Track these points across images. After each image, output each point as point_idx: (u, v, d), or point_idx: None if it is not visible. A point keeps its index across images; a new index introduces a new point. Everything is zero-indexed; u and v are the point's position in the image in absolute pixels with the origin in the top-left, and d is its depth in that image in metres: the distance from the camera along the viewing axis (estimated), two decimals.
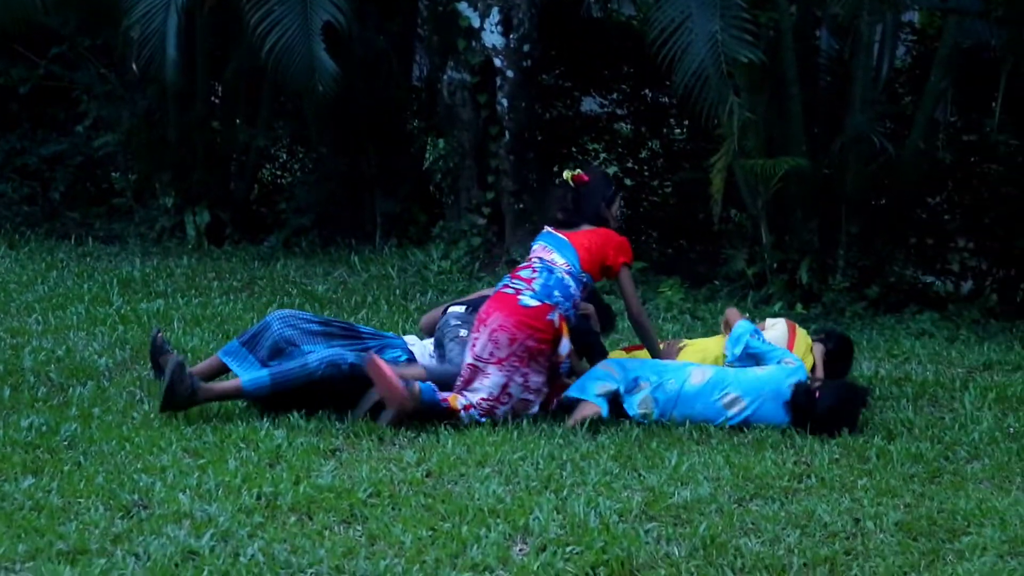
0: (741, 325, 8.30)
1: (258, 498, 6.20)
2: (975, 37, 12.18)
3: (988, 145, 13.04)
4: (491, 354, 7.70)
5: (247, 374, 7.73)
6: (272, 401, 7.66)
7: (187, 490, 6.25)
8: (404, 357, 8.13)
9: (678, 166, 15.25)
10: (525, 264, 8.06)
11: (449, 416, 7.62)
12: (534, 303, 7.74)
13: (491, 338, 7.69)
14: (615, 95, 16.09)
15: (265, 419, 7.51)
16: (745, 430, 7.91)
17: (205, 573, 5.34)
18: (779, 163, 11.45)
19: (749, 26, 10.82)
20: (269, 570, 5.38)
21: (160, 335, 8.11)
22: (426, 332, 8.67)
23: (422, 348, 8.39)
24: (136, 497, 6.14)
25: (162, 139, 14.50)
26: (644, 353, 8.49)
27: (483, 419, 7.65)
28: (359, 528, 5.98)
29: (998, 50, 12.38)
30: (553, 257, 7.98)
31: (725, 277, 12.56)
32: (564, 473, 6.84)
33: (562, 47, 15.26)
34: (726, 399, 7.92)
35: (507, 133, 13.50)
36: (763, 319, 9.10)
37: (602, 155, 16.19)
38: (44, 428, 7.10)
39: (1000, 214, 13.09)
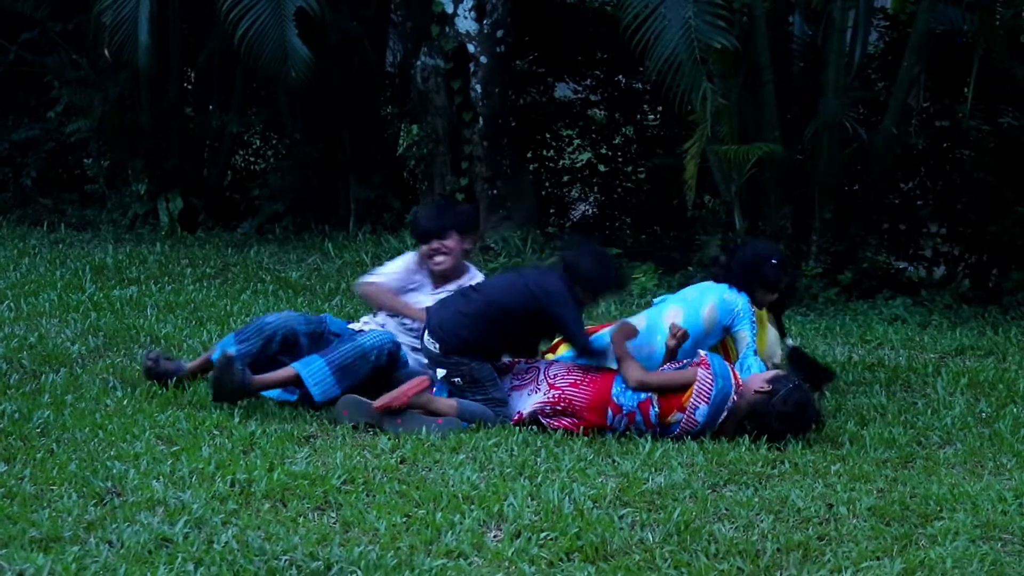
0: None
1: (232, 485, 6.19)
2: (947, 23, 12.22)
3: (960, 131, 13.07)
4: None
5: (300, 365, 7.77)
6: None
7: (161, 477, 6.23)
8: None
9: (652, 152, 15.26)
10: None
11: None
12: None
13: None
14: (589, 81, 16.10)
15: (239, 406, 7.49)
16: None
17: (179, 560, 5.32)
18: (752, 149, 11.47)
19: (722, 12, 10.83)
20: (243, 557, 5.37)
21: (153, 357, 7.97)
22: (372, 304, 8.55)
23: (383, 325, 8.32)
24: (109, 484, 6.11)
25: (135, 125, 14.47)
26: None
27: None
28: (333, 515, 5.97)
29: (970, 36, 12.42)
30: None
31: (699, 263, 12.57)
32: (538, 459, 6.84)
33: (536, 33, 15.25)
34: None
35: (481, 119, 13.49)
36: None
37: (576, 141, 16.19)
38: (16, 415, 7.06)
39: (972, 200, 13.13)
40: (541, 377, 7.62)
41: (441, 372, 7.68)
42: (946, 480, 6.77)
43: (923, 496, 6.49)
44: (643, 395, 7.37)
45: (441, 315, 7.74)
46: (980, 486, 6.68)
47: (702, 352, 7.56)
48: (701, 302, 8.00)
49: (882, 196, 12.99)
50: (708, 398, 7.33)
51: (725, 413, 7.37)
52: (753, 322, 7.98)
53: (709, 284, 8.13)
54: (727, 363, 7.56)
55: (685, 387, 7.40)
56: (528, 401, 7.57)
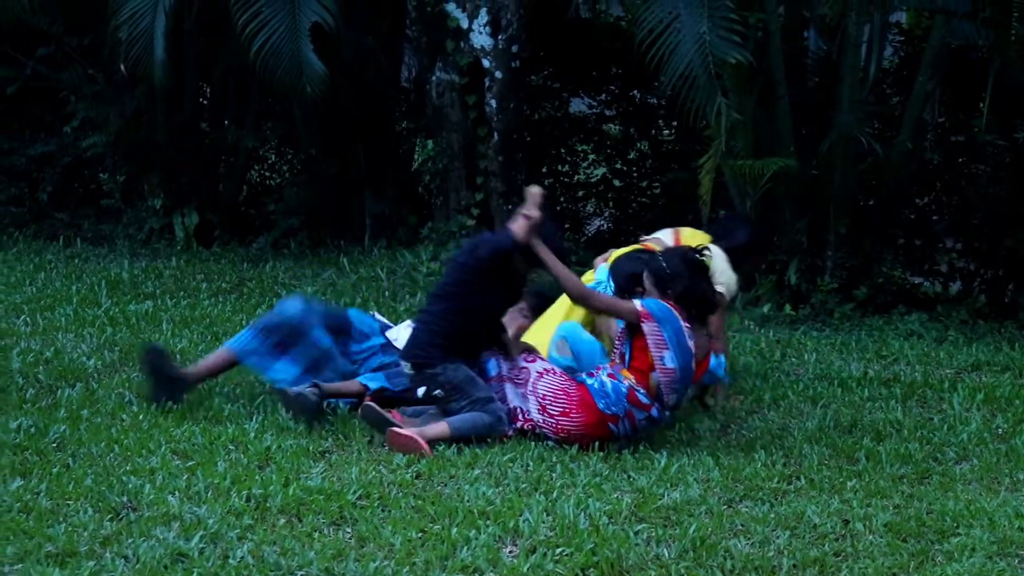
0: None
1: (247, 500, 6.20)
2: (963, 37, 12.18)
3: (976, 145, 13.04)
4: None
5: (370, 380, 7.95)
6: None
7: (176, 492, 6.25)
8: (402, 386, 8.04)
9: (667, 167, 15.24)
10: None
11: None
12: None
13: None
14: (604, 96, 16.08)
15: (254, 421, 7.51)
16: (732, 431, 7.94)
17: (195, 575, 5.34)
18: (767, 164, 11.45)
19: (737, 27, 10.81)
20: (259, 572, 5.38)
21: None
22: None
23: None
24: (125, 499, 6.13)
25: (150, 140, 14.49)
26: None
27: None
28: (349, 530, 5.98)
29: (985, 50, 12.40)
30: None
31: None
32: (554, 474, 6.84)
33: (551, 48, 15.25)
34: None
35: (495, 134, 13.48)
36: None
37: (591, 156, 16.19)
38: (33, 430, 7.09)
39: (988, 214, 13.10)
40: (531, 387, 7.60)
41: (422, 390, 7.69)
42: (963, 496, 6.76)
43: (939, 512, 6.48)
44: (623, 387, 7.37)
45: (409, 336, 7.85)
46: (997, 502, 6.68)
47: (638, 303, 7.58)
48: None
49: (897, 211, 12.97)
50: (664, 342, 7.40)
51: (690, 341, 7.46)
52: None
53: None
54: (664, 303, 7.58)
55: (622, 314, 7.56)
56: (524, 403, 7.59)
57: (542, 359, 7.83)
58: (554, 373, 7.66)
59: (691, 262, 7.74)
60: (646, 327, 7.41)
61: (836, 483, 6.92)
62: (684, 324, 7.45)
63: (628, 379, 7.42)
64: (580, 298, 7.66)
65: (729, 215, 9.30)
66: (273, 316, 8.15)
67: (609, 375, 7.46)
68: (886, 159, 12.06)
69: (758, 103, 11.85)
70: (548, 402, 7.52)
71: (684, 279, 7.61)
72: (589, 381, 7.49)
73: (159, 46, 12.17)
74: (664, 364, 7.38)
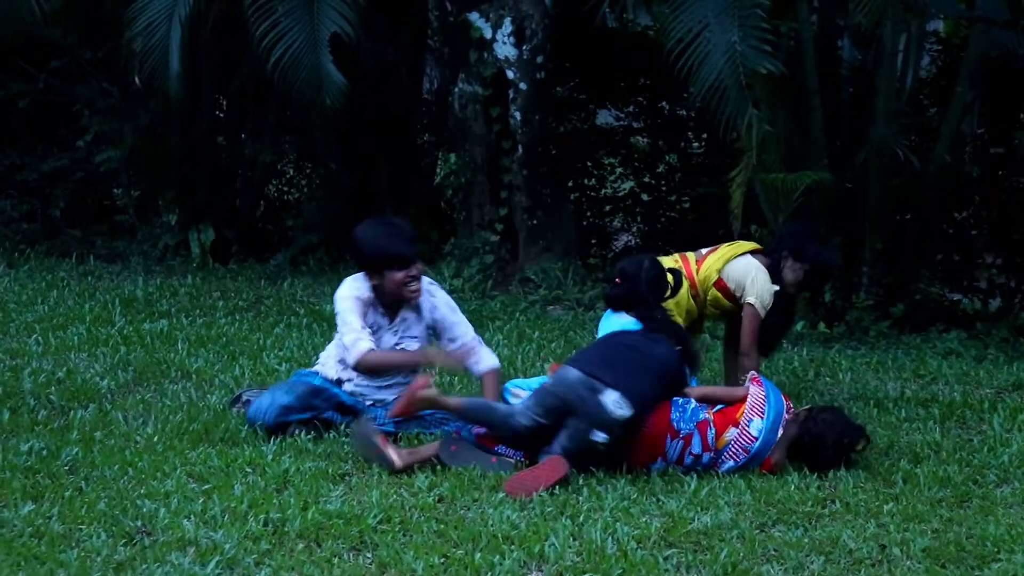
0: None
1: (265, 524, 6.20)
2: (1002, 47, 12.17)
3: (1017, 157, 13.02)
4: None
5: None
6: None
7: (192, 516, 6.25)
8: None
9: (696, 180, 15.25)
10: None
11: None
12: None
13: None
14: (631, 107, 16.12)
15: (272, 443, 7.51)
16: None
17: None
18: (800, 177, 11.43)
19: (769, 36, 10.80)
20: None
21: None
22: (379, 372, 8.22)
23: None
24: (139, 524, 6.13)
25: (165, 154, 14.55)
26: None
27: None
28: (369, 555, 5.97)
29: None
30: None
31: None
32: (580, 498, 6.82)
33: (576, 58, 15.28)
34: None
35: (520, 147, 13.49)
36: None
37: (618, 169, 16.20)
38: (44, 452, 7.10)
39: None
40: None
41: (602, 436, 7.27)
42: (1003, 520, 6.72)
43: (980, 537, 6.45)
44: (701, 415, 7.37)
45: (623, 375, 7.41)
46: None
47: (753, 372, 7.62)
48: None
49: (935, 226, 12.94)
50: (762, 412, 7.36)
51: (780, 431, 7.38)
52: None
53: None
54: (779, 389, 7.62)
55: (739, 397, 7.54)
56: None
57: None
58: None
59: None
60: (753, 390, 7.44)
61: (872, 507, 6.89)
62: (787, 414, 7.46)
63: (710, 414, 7.44)
64: (701, 397, 7.66)
65: (806, 228, 9.20)
66: None
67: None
68: (923, 172, 12.04)
69: (790, 115, 11.84)
70: None
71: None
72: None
73: (175, 58, 12.20)
74: (748, 428, 7.36)
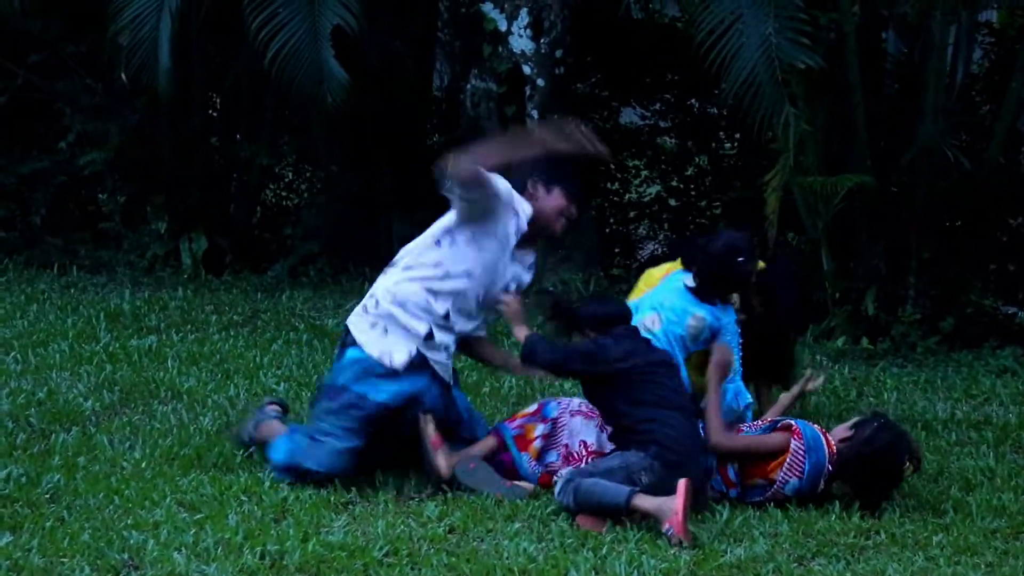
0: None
1: (262, 557, 6.21)
2: None
3: None
4: None
5: None
6: None
7: (183, 548, 6.26)
8: None
9: (729, 184, 15.26)
10: None
11: None
12: None
13: None
14: (658, 105, 16.15)
15: (269, 469, 7.52)
16: None
17: None
18: (841, 180, 11.44)
19: (807, 28, 10.82)
20: None
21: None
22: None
23: None
24: (126, 556, 6.14)
25: (154, 157, 14.57)
26: None
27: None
28: None
29: None
30: None
31: None
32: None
33: (599, 52, 15.31)
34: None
35: None
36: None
37: (644, 172, 16.21)
38: (24, 479, 7.11)
39: None
40: None
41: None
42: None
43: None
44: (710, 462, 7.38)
45: None
46: None
47: (792, 421, 7.51)
48: (684, 312, 7.97)
49: (988, 232, 12.94)
50: (801, 472, 7.31)
51: (822, 485, 7.35)
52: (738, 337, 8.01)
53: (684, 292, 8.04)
54: (817, 428, 7.50)
55: (770, 454, 7.38)
56: (598, 435, 7.59)
57: None
58: None
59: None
60: (793, 444, 7.37)
61: (920, 538, 6.88)
62: (830, 465, 7.40)
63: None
64: (716, 445, 7.57)
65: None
66: None
67: None
68: (975, 174, 12.03)
69: (830, 113, 11.85)
70: None
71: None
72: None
73: (164, 52, 12.24)
74: (784, 488, 7.34)
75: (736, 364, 7.89)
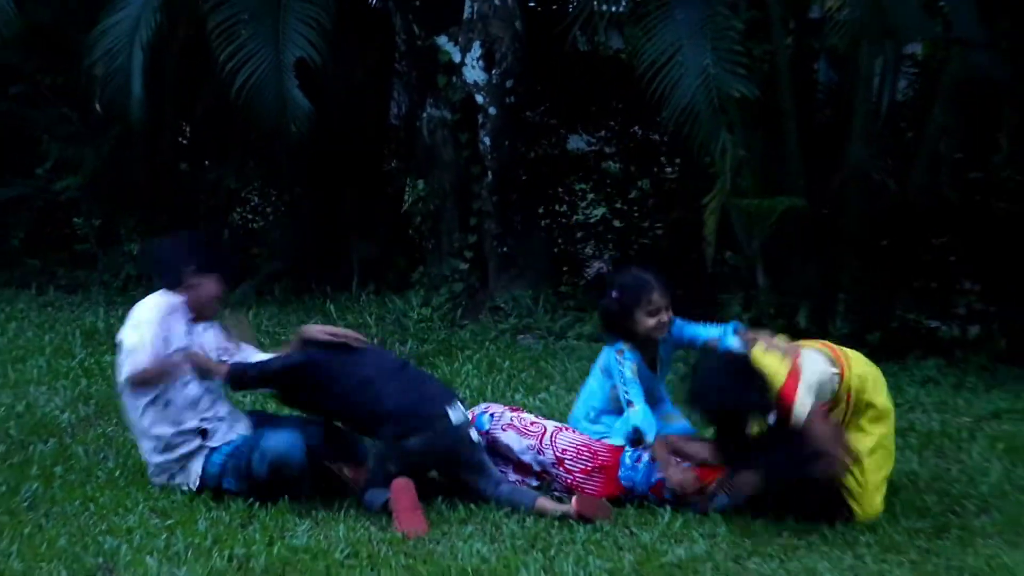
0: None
1: (230, 560, 6.21)
2: (980, 69, 12.24)
3: (995, 182, 13.06)
4: None
5: None
6: None
7: (155, 553, 6.26)
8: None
9: (670, 206, 15.27)
10: None
11: None
12: None
13: None
14: (603, 132, 16.15)
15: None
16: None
17: None
18: (776, 202, 11.48)
19: (743, 59, 10.86)
20: None
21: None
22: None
23: None
24: (101, 560, 6.14)
25: (127, 181, 14.54)
26: None
27: None
28: None
29: (1004, 82, 12.45)
30: None
31: (720, 322, 12.55)
32: (552, 531, 6.84)
33: (547, 82, 15.31)
34: None
35: (490, 173, 13.50)
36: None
37: (590, 195, 16.23)
38: (3, 488, 7.10)
39: (1008, 254, 13.11)
40: (548, 440, 7.60)
41: None
42: (983, 551, 6.77)
43: (958, 568, 6.50)
44: (654, 478, 7.38)
45: None
46: (1019, 557, 6.69)
47: None
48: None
49: (913, 251, 12.99)
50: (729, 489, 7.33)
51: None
52: (622, 373, 7.60)
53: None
54: None
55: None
56: (529, 456, 7.58)
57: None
58: (572, 431, 7.72)
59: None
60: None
61: (849, 538, 6.92)
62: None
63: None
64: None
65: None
66: None
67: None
68: (900, 196, 12.08)
69: (765, 139, 11.88)
70: (568, 457, 7.53)
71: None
72: (627, 452, 7.51)
73: (136, 83, 12.21)
74: (712, 501, 7.37)
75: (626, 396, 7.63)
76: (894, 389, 10.78)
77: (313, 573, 6.12)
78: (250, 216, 16.97)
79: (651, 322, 7.60)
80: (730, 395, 6.99)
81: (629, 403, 7.51)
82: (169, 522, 6.73)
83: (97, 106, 12.99)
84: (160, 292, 7.50)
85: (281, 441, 7.18)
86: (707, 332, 7.99)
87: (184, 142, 15.54)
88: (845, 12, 11.38)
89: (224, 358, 7.59)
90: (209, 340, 7.61)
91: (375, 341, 12.08)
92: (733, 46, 10.85)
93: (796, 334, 11.83)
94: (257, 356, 7.72)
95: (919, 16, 11.41)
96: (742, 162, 11.31)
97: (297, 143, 13.44)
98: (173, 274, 7.49)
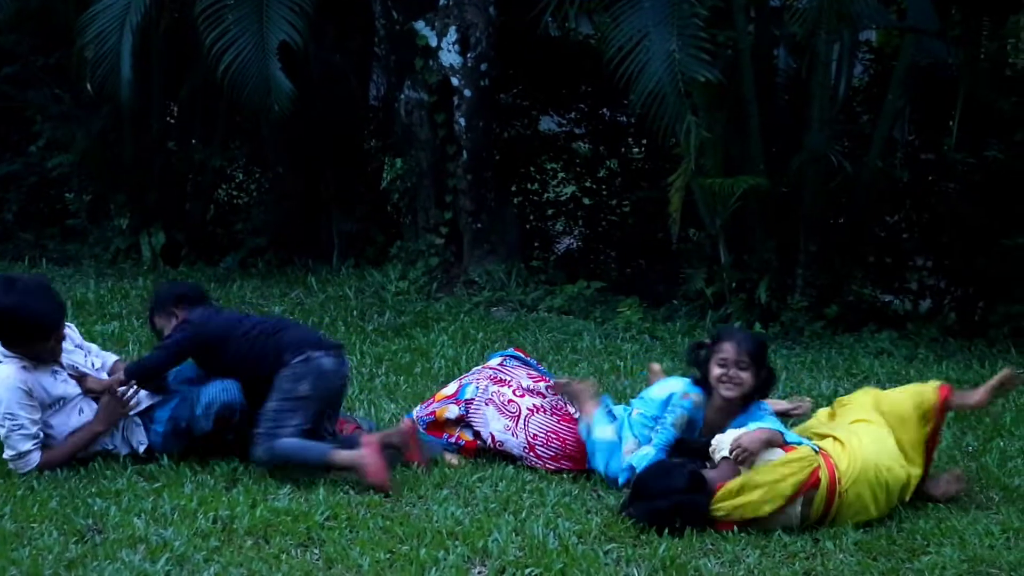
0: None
1: (214, 522, 6.19)
2: (932, 56, 12.26)
3: (946, 164, 13.08)
4: None
5: None
6: None
7: (142, 514, 6.23)
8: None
9: (636, 185, 15.27)
10: None
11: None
12: None
13: None
14: (573, 114, 16.12)
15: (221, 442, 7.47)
16: None
17: None
18: (737, 182, 11.48)
19: (707, 45, 10.84)
20: None
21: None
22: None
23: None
24: (90, 522, 6.11)
25: (117, 159, 14.46)
26: None
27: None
28: (316, 551, 5.97)
29: (955, 69, 12.47)
30: None
31: (684, 296, 12.58)
32: (523, 495, 6.84)
33: (520, 66, 15.28)
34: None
35: (464, 152, 13.47)
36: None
37: (560, 174, 16.22)
38: None
39: (958, 233, 13.15)
40: (521, 424, 7.53)
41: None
42: (933, 515, 6.79)
43: (910, 531, 6.51)
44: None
45: None
46: (967, 520, 6.70)
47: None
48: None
49: (868, 229, 13.00)
50: None
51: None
52: (670, 414, 7.19)
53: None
54: None
55: None
56: (504, 436, 7.53)
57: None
58: (545, 412, 7.59)
59: None
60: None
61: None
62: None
63: None
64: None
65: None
66: None
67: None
68: (856, 177, 12.10)
69: (728, 121, 11.87)
70: (539, 443, 7.47)
71: None
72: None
73: (126, 65, 12.13)
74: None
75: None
76: (849, 360, 10.87)
77: (294, 534, 6.10)
78: (235, 193, 16.90)
79: (718, 371, 7.33)
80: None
81: (648, 440, 7.18)
82: (156, 485, 6.71)
83: (88, 87, 12.89)
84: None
85: (218, 389, 7.13)
86: (769, 422, 7.08)
87: (172, 122, 15.44)
88: (804, 1, 11.39)
89: (94, 359, 7.50)
90: (78, 356, 7.39)
91: (354, 313, 12.06)
92: (698, 33, 10.81)
93: (756, 308, 11.91)
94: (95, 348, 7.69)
95: (874, 5, 11.41)
96: (705, 143, 11.30)
97: (280, 123, 13.38)
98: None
